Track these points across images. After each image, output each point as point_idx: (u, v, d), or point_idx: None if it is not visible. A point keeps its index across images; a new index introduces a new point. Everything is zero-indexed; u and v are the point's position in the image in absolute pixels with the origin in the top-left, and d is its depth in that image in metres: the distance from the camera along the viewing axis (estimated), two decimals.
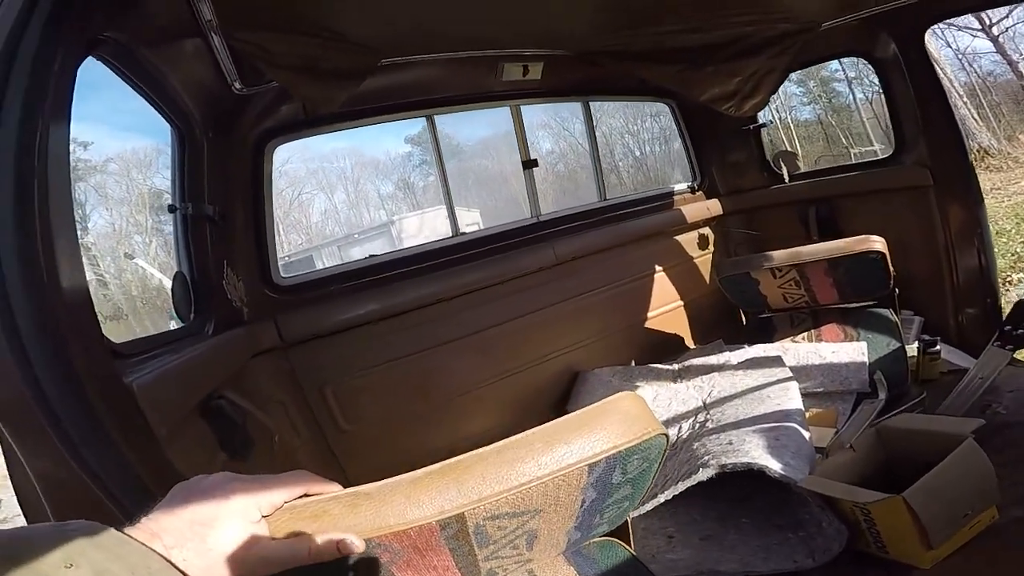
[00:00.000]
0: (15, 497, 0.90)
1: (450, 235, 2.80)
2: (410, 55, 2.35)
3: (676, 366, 2.78)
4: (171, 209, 1.84)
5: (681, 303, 3.37)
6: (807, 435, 1.91)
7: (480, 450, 0.78)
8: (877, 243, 2.44)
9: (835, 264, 2.55)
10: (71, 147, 1.05)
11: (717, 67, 2.66)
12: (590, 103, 3.30)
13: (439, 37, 2.28)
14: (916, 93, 2.68)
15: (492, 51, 2.54)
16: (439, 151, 2.77)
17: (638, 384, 2.74)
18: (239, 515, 0.60)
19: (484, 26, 2.29)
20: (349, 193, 17.71)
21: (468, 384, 2.67)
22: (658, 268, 3.28)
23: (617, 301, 3.11)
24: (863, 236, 2.49)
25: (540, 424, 0.82)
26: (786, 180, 3.35)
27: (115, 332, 1.57)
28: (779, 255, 2.69)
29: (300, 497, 0.68)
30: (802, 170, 3.41)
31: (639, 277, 3.22)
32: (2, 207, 0.79)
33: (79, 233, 0.99)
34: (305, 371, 2.32)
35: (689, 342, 3.34)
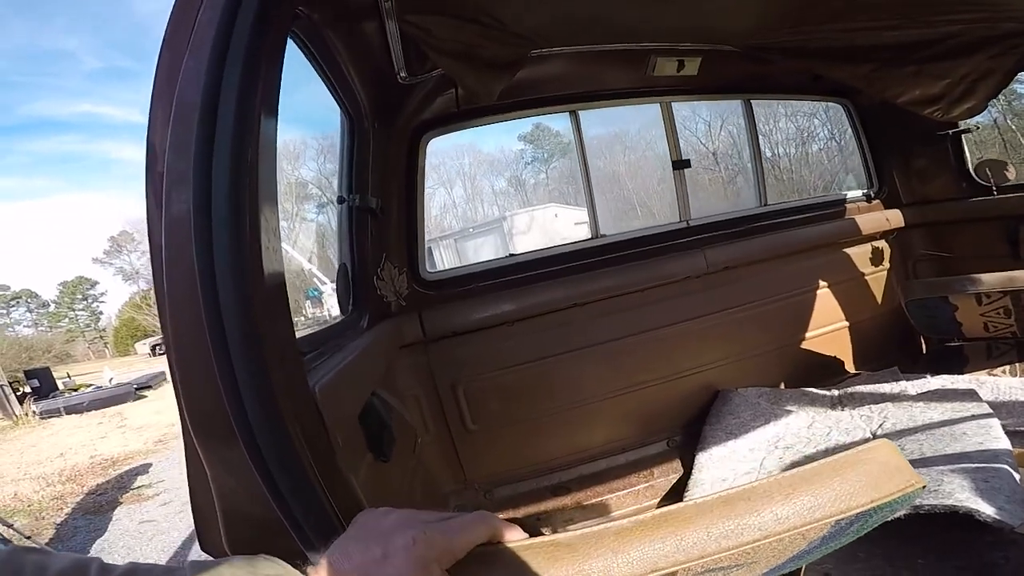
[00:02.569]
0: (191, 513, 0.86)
1: (590, 236, 2.70)
2: (558, 46, 2.31)
3: (836, 392, 2.52)
4: (340, 200, 1.94)
5: (845, 324, 3.01)
6: (1018, 477, 1.71)
7: (701, 500, 0.67)
8: None
9: None
10: None
11: (919, 67, 2.29)
12: (752, 102, 3.01)
13: (589, 27, 2.20)
14: None
15: (643, 44, 2.41)
16: (583, 148, 2.69)
17: (789, 408, 2.50)
18: (421, 569, 0.55)
19: (638, 17, 2.17)
20: (466, 188, 18.39)
21: (596, 393, 2.56)
22: (822, 283, 2.94)
23: (770, 317, 2.83)
24: None
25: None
26: (994, 192, 2.85)
27: None
28: (990, 279, 2.36)
29: (485, 544, 0.61)
30: (1012, 181, 2.85)
31: (798, 292, 2.91)
32: (218, 209, 0.72)
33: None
34: (441, 367, 2.35)
35: (849, 366, 3.01)
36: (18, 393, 12.60)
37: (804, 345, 2.91)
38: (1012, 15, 2.14)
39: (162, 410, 11.19)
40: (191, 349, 0.75)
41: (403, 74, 1.99)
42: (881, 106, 2.83)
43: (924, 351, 2.91)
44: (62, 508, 5.67)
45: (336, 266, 2.02)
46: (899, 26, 2.19)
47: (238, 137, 0.74)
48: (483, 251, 15.11)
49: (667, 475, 2.47)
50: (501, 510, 2.35)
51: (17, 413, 11.66)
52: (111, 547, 4.42)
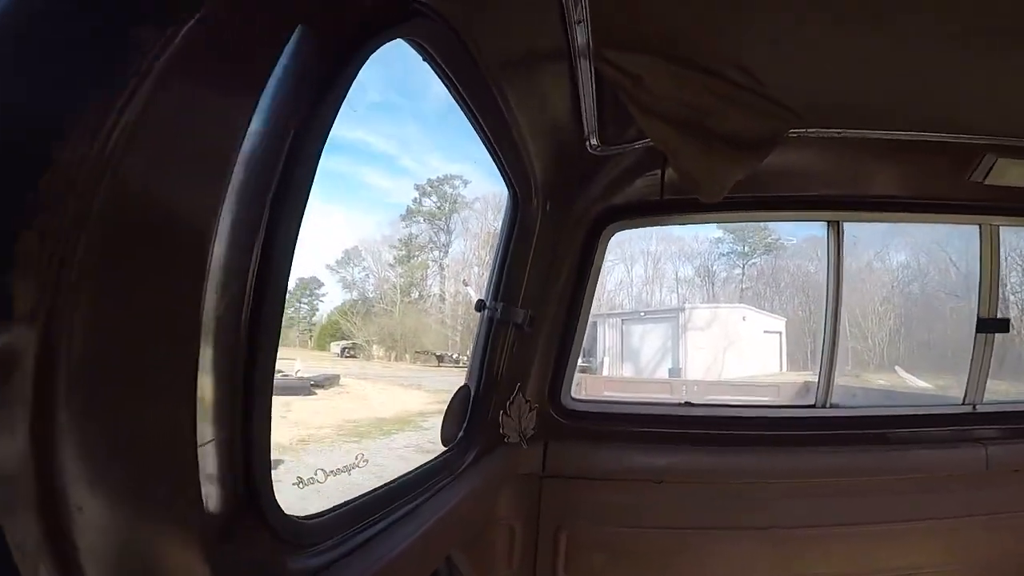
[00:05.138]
0: None
1: (813, 404, 2.11)
2: (832, 128, 1.63)
3: None
4: (479, 307, 1.51)
5: None
6: None
7: None
8: None
9: None
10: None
11: None
12: None
13: (883, 105, 1.51)
14: None
15: (975, 136, 1.65)
16: (839, 277, 1.86)
17: None
18: None
19: (971, 99, 1.44)
20: (647, 268, 17.67)
21: None
22: None
23: None
24: None
25: None
26: None
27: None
28: None
29: None
30: None
31: None
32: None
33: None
34: (551, 505, 2.04)
35: None
36: None
37: None
38: None
39: (320, 411, 12.28)
40: None
41: (594, 141, 1.48)
42: None
43: None
44: None
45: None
46: None
47: None
48: (650, 338, 14.08)
49: None
50: None
51: None
52: None
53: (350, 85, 0.74)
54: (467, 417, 1.64)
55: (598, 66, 1.24)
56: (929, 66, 1.29)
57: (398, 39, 0.84)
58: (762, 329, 13.06)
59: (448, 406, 1.54)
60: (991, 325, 2.09)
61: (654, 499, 2.05)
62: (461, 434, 1.63)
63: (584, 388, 7.42)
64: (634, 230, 2.12)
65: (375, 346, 17.64)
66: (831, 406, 2.08)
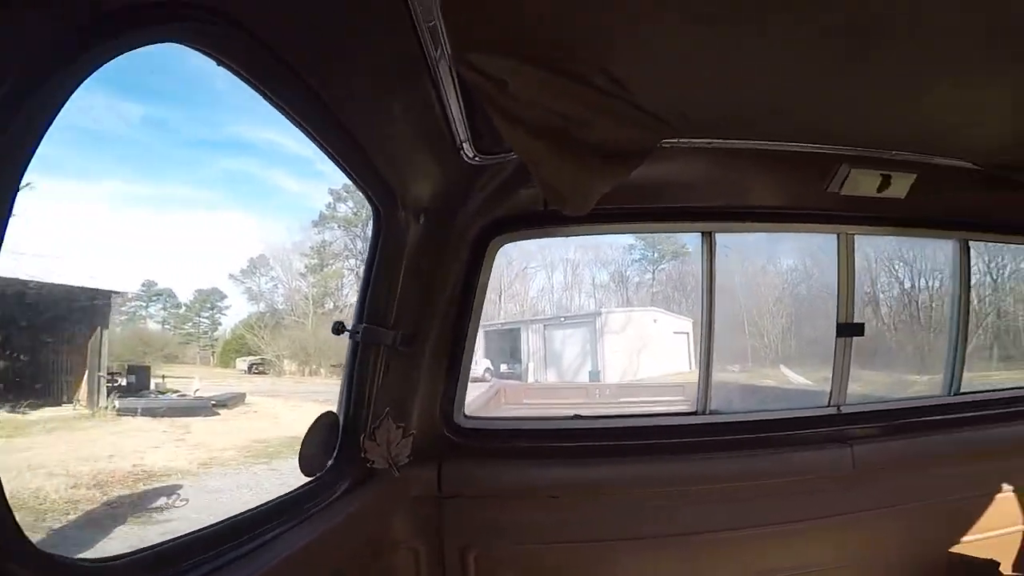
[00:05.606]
0: None
1: (695, 411, 2.12)
2: (702, 137, 1.65)
3: None
4: (336, 330, 1.40)
5: (1019, 529, 2.38)
6: None
7: None
8: None
9: None
10: None
11: None
12: (970, 244, 2.14)
13: (751, 115, 1.54)
14: None
15: (833, 147, 1.73)
16: (711, 285, 1.92)
17: None
18: None
19: (831, 109, 1.48)
20: (567, 276, 18.14)
21: None
22: (1005, 488, 2.33)
23: (920, 521, 2.24)
24: None
25: None
26: None
27: None
28: None
29: None
30: None
31: (968, 497, 2.32)
32: None
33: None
34: (455, 526, 1.93)
35: (1007, 567, 2.36)
36: (115, 384, 13.57)
37: (956, 549, 2.33)
38: None
39: (224, 432, 11.36)
40: None
41: (469, 152, 1.42)
42: None
43: None
44: (68, 514, 5.57)
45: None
46: None
47: None
48: (571, 342, 14.46)
49: None
50: None
51: (99, 405, 12.45)
52: None
53: (72, 90, 0.64)
54: (337, 445, 1.53)
55: (459, 70, 1.17)
56: (790, 76, 1.32)
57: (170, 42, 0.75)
58: (672, 330, 13.82)
59: (306, 435, 1.40)
60: (849, 329, 2.18)
61: (556, 514, 2.00)
62: (331, 463, 1.52)
63: (504, 397, 7.40)
64: (554, 239, 2.10)
65: (286, 361, 16.62)
66: (711, 412, 2.10)
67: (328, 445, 1.46)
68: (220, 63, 0.85)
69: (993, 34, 1.10)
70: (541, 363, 14.76)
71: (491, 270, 1.87)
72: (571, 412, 2.39)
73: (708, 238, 1.94)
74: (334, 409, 1.55)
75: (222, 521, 1.13)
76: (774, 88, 1.37)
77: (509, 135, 1.24)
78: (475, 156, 1.48)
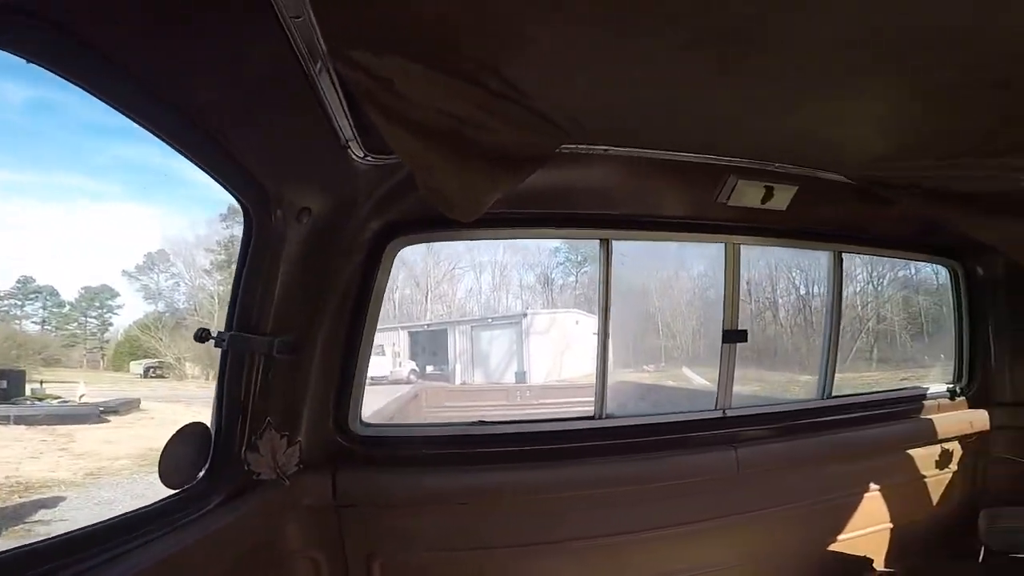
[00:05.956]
0: None
1: (592, 415, 2.12)
2: (600, 144, 1.67)
3: None
4: (199, 337, 1.29)
5: (888, 526, 2.57)
6: None
7: None
8: None
9: None
10: None
11: None
12: (843, 255, 2.34)
13: (643, 124, 1.57)
14: None
15: (721, 158, 1.80)
16: (607, 288, 1.96)
17: None
18: None
19: (717, 120, 1.54)
20: (495, 277, 18.23)
21: None
22: (872, 487, 2.50)
23: (799, 520, 2.36)
24: None
25: None
26: None
27: None
28: None
29: None
30: None
31: (840, 497, 2.46)
32: None
33: None
34: (356, 536, 1.87)
35: (879, 564, 2.56)
36: None
37: (833, 547, 2.46)
38: None
39: (115, 440, 10.31)
40: None
41: (358, 152, 1.35)
42: (1005, 276, 2.60)
43: (981, 560, 2.48)
44: None
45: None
46: None
47: None
48: (498, 343, 14.51)
49: None
50: None
51: None
52: None
53: None
54: (210, 456, 1.43)
55: (337, 68, 1.10)
56: (673, 85, 1.32)
57: None
58: (592, 331, 14.23)
59: (167, 446, 1.28)
60: (733, 336, 2.25)
61: (462, 521, 1.97)
62: (203, 474, 1.42)
63: (425, 400, 7.26)
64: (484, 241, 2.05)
65: (188, 364, 15.36)
66: (607, 417, 2.11)
67: (196, 456, 1.37)
68: (53, 72, 0.77)
69: (860, 49, 1.15)
70: (468, 364, 14.72)
71: (389, 273, 1.81)
72: (494, 414, 2.35)
73: (605, 245, 1.98)
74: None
75: (67, 534, 1.06)
76: (661, 96, 1.39)
77: (391, 135, 1.18)
78: (365, 156, 1.42)
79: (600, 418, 2.08)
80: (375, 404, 5.78)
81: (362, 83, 1.12)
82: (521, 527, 2.00)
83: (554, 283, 17.69)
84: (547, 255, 17.21)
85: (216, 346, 1.36)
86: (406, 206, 1.71)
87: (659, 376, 10.55)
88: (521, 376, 13.70)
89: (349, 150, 1.38)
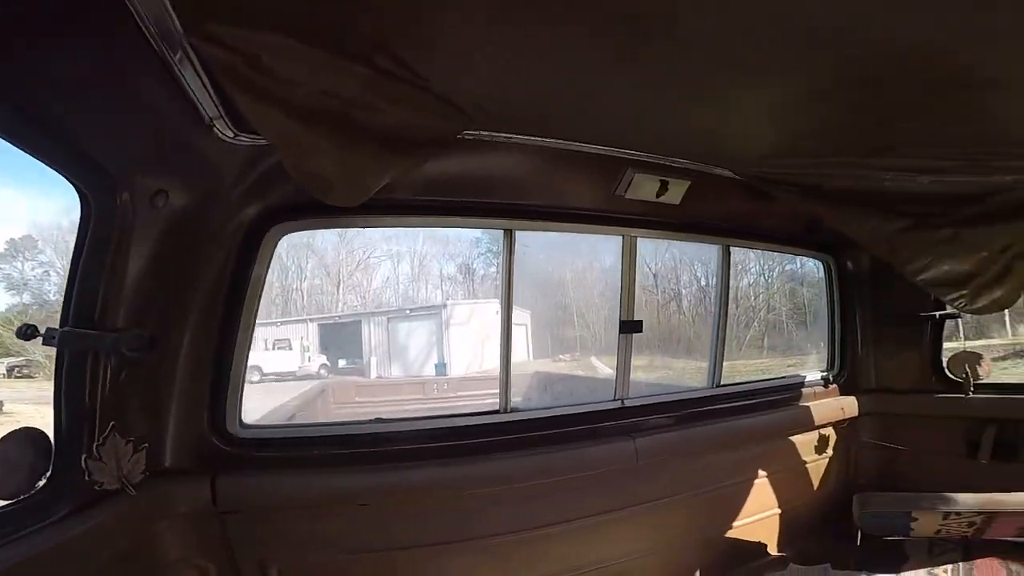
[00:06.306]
0: None
1: (497, 410, 2.09)
2: (503, 132, 1.64)
3: None
4: (24, 334, 1.12)
5: (777, 511, 2.70)
6: None
7: None
8: None
9: None
10: None
11: (957, 231, 1.87)
12: (731, 249, 2.47)
13: (546, 112, 1.55)
14: None
15: (621, 151, 1.82)
16: (510, 278, 1.93)
17: None
18: None
19: (615, 111, 1.55)
20: (413, 266, 17.80)
21: None
22: (760, 473, 2.63)
23: (696, 507, 2.45)
24: None
25: None
26: (970, 392, 2.68)
27: None
28: (967, 500, 2.12)
29: None
30: (985, 379, 2.69)
31: (732, 483, 2.57)
32: None
33: None
34: (245, 542, 1.77)
35: (773, 548, 2.71)
36: None
37: (730, 533, 2.58)
38: None
39: None
40: None
41: (226, 131, 1.22)
42: (870, 271, 2.73)
43: (859, 543, 2.62)
44: None
45: None
46: (943, 170, 1.76)
47: None
48: (416, 335, 14.20)
49: None
50: None
51: None
52: None
53: None
54: (50, 464, 1.28)
55: (193, 43, 0.98)
56: (571, 72, 1.29)
57: None
58: (515, 322, 14.39)
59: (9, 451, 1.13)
60: (629, 327, 2.33)
61: (367, 521, 1.89)
62: (45, 483, 1.28)
63: (333, 396, 6.93)
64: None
65: None
66: (511, 410, 2.09)
67: (35, 464, 1.23)
68: None
69: (745, 47, 1.17)
70: (385, 357, 14.30)
71: (269, 262, 1.65)
72: (409, 408, 2.24)
73: (509, 235, 1.95)
74: None
75: None
76: (560, 84, 1.36)
77: (256, 115, 1.07)
78: (236, 136, 1.28)
79: (505, 412, 2.05)
80: (276, 401, 5.41)
81: (221, 59, 1.01)
82: (432, 525, 1.94)
83: (475, 273, 17.61)
84: (468, 245, 17.07)
85: (45, 343, 1.17)
86: (289, 190, 1.56)
87: (574, 365, 10.87)
88: (441, 368, 13.53)
89: (215, 129, 1.23)
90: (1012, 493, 2.10)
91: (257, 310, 1.68)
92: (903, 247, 1.91)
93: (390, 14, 1.05)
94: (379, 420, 1.98)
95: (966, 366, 2.67)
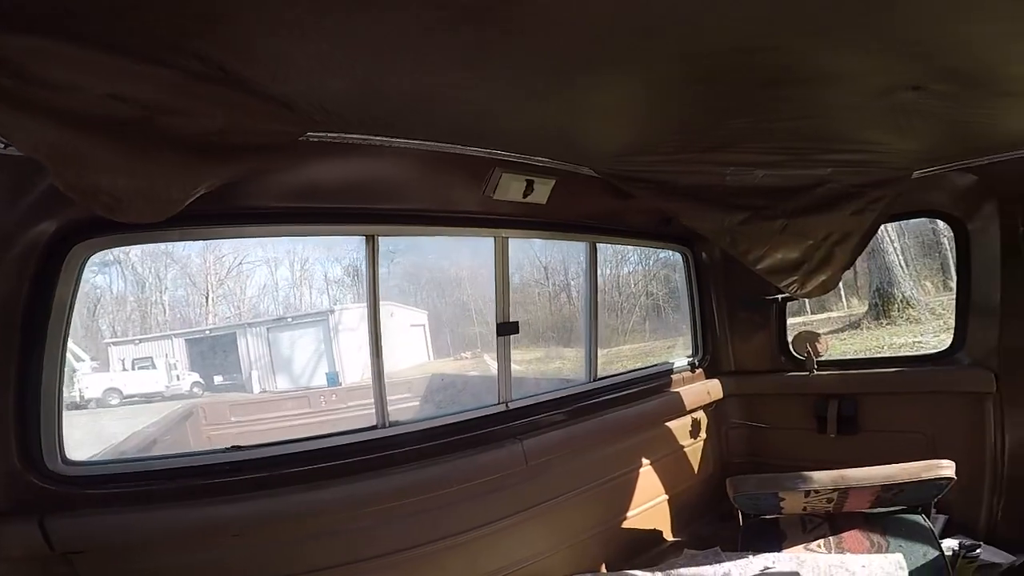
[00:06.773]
0: None
1: (374, 425, 2.03)
2: (353, 134, 1.54)
3: (659, 575, 2.37)
4: None
5: (665, 497, 2.87)
6: None
7: None
8: (947, 468, 2.12)
9: (890, 488, 2.22)
10: None
11: (788, 221, 2.09)
12: (597, 244, 2.58)
13: (399, 111, 1.48)
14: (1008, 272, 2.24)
15: (488, 150, 1.80)
16: (375, 286, 1.84)
17: None
18: None
19: (476, 109, 1.51)
20: (294, 271, 16.61)
21: None
22: (644, 461, 2.76)
23: (591, 501, 2.53)
24: (931, 462, 2.17)
25: None
26: (813, 370, 2.92)
27: None
28: (822, 478, 2.27)
29: None
30: (824, 357, 2.95)
31: (621, 474, 2.68)
32: None
33: None
34: None
35: (668, 535, 2.86)
36: None
37: (625, 524, 2.69)
38: (884, 162, 2.03)
39: None
40: None
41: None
42: (722, 260, 2.87)
43: (741, 523, 2.76)
44: None
45: None
46: (777, 163, 1.94)
47: None
48: (301, 344, 13.28)
49: None
50: None
51: None
52: None
53: None
54: None
55: None
56: (424, 68, 1.24)
57: None
58: (408, 323, 13.98)
59: None
60: (506, 328, 2.35)
61: (243, 554, 1.78)
62: None
63: (204, 417, 6.26)
64: None
65: None
66: (390, 425, 2.03)
67: None
68: None
69: (597, 40, 1.18)
70: (267, 371, 13.19)
71: (77, 284, 1.42)
72: (294, 424, 2.04)
73: (371, 241, 1.86)
74: None
75: None
76: (399, 82, 1.29)
77: (10, 125, 0.90)
78: (7, 146, 1.07)
79: (384, 427, 1.98)
80: (134, 427, 4.73)
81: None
82: (322, 550, 1.85)
83: (365, 276, 16.84)
84: (355, 246, 16.27)
85: None
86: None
87: (475, 363, 10.89)
88: (333, 378, 12.80)
89: None
90: (858, 468, 2.27)
91: (66, 335, 1.48)
92: (743, 238, 2.11)
93: (191, 13, 0.93)
94: (236, 448, 1.82)
95: (807, 345, 2.90)
